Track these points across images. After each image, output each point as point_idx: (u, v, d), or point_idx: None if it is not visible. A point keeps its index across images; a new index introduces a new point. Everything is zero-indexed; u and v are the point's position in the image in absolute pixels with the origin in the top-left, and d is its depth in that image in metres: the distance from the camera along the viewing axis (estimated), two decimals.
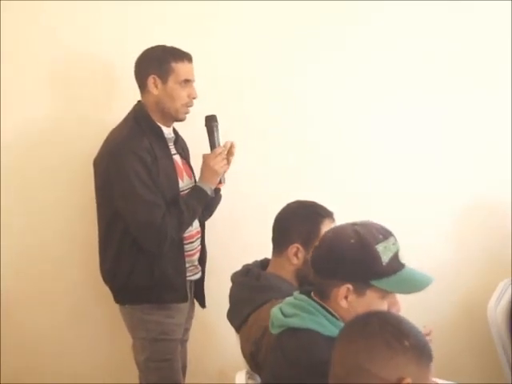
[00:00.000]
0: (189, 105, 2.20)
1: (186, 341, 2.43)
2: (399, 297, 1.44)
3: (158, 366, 2.25)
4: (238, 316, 1.81)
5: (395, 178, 2.66)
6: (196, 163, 2.27)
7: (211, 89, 2.42)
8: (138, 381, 2.32)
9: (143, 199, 2.06)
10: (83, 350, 2.65)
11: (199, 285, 2.37)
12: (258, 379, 1.73)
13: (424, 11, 2.57)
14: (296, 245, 1.78)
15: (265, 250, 1.89)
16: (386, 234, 1.43)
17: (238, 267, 1.92)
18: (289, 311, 1.46)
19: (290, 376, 1.37)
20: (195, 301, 2.41)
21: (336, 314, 1.42)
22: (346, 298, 1.39)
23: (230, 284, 1.92)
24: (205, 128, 2.24)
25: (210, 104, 2.33)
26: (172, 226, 2.08)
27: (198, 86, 2.22)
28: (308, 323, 1.41)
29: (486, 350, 2.45)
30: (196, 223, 2.27)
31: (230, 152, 2.22)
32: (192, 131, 2.33)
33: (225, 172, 2.23)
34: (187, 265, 2.22)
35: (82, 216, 2.50)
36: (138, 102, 2.22)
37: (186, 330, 2.40)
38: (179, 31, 2.47)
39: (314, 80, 2.59)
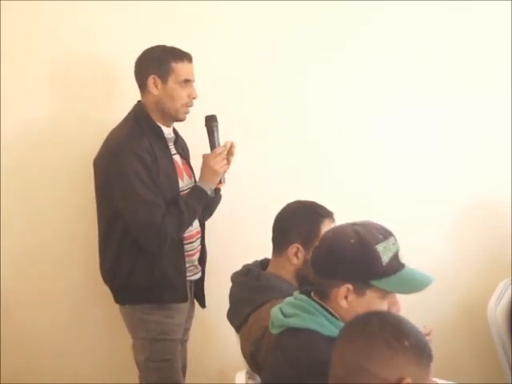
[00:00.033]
0: (189, 105, 2.20)
1: (186, 341, 2.43)
2: (399, 297, 1.44)
3: (158, 366, 2.25)
4: (238, 316, 1.81)
5: (395, 178, 2.66)
6: (196, 163, 2.27)
7: (211, 89, 2.42)
8: (138, 381, 2.32)
9: (143, 199, 2.06)
10: (83, 350, 2.65)
11: (199, 285, 2.37)
12: (258, 379, 1.73)
13: (424, 11, 2.57)
14: (296, 245, 1.78)
15: (265, 250, 1.89)
16: (386, 234, 1.43)
17: (238, 267, 1.92)
18: (289, 311, 1.46)
19: (290, 376, 1.37)
20: (195, 301, 2.41)
21: (336, 314, 1.42)
22: (345, 297, 1.39)
23: (229, 284, 1.92)
24: (205, 128, 2.24)
25: (210, 104, 2.33)
26: (172, 226, 2.08)
27: (198, 86, 2.22)
28: (308, 323, 1.41)
29: (485, 350, 2.45)
30: (196, 223, 2.27)
31: (229, 152, 2.22)
32: (192, 131, 2.33)
33: (225, 172, 2.23)
34: (187, 265, 2.22)
35: (82, 216, 2.50)
36: (138, 102, 2.22)
37: (186, 330, 2.40)
38: (179, 31, 2.47)
39: (313, 80, 2.59)
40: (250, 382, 1.74)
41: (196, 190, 2.18)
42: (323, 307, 1.43)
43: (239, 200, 2.57)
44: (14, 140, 2.52)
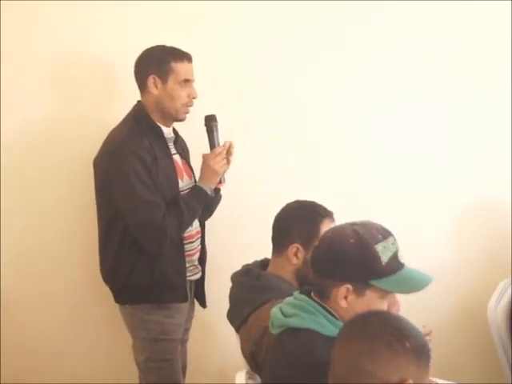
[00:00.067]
0: (189, 105, 2.20)
1: (186, 341, 2.43)
2: (399, 297, 1.44)
3: (158, 366, 2.25)
4: (238, 316, 1.81)
5: (395, 178, 2.66)
6: (196, 163, 2.27)
7: (211, 89, 2.42)
8: (138, 381, 2.32)
9: (143, 199, 2.06)
10: (83, 350, 2.65)
11: (199, 285, 2.37)
12: (258, 379, 1.73)
13: (424, 11, 2.57)
14: (296, 245, 1.78)
15: (265, 250, 1.89)
16: (385, 234, 1.43)
17: (238, 267, 1.92)
18: (289, 311, 1.46)
19: (290, 376, 1.37)
20: (195, 301, 2.41)
21: (336, 314, 1.42)
22: (345, 298, 1.39)
23: (229, 284, 1.92)
24: (204, 128, 2.24)
25: (210, 104, 2.33)
26: (172, 226, 2.08)
27: (198, 85, 2.22)
28: (308, 323, 1.41)
29: (485, 350, 2.45)
30: (196, 223, 2.27)
31: (228, 152, 2.22)
32: (192, 131, 2.33)
33: (224, 172, 2.23)
34: (187, 265, 2.22)
35: (82, 216, 2.50)
36: (138, 102, 2.22)
37: (186, 330, 2.40)
38: (179, 31, 2.47)
39: (313, 80, 2.59)
40: (249, 382, 1.74)
41: (196, 189, 2.18)
42: (323, 307, 1.43)
43: (239, 200, 2.57)
44: (14, 140, 2.52)
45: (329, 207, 1.85)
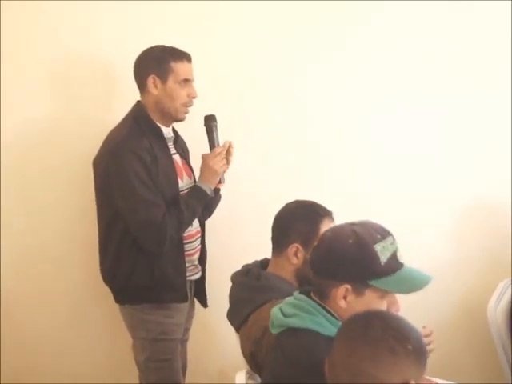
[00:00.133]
0: (188, 104, 2.20)
1: (186, 341, 2.43)
2: (399, 296, 1.44)
3: (158, 366, 2.25)
4: (238, 316, 1.81)
5: (395, 178, 2.66)
6: (196, 163, 2.27)
7: (211, 89, 2.42)
8: (138, 381, 2.32)
9: (143, 199, 2.06)
10: (83, 349, 2.66)
11: (200, 284, 2.37)
12: (258, 379, 1.73)
13: (424, 11, 2.57)
14: (295, 244, 1.78)
15: (265, 250, 1.89)
16: (384, 234, 1.43)
17: (238, 267, 1.92)
18: (289, 311, 1.46)
19: (290, 376, 1.37)
20: (196, 300, 2.41)
21: (336, 314, 1.42)
22: (344, 298, 1.39)
23: (229, 284, 1.92)
24: (204, 128, 2.24)
25: (210, 104, 2.33)
26: (172, 226, 2.08)
27: (198, 85, 2.22)
28: (308, 323, 1.41)
29: (485, 350, 2.45)
30: (196, 223, 2.27)
31: (228, 152, 2.22)
32: (191, 131, 2.33)
33: (224, 172, 2.23)
34: (187, 264, 2.22)
35: (82, 216, 2.50)
36: (138, 102, 2.22)
37: (186, 330, 2.40)
38: (179, 31, 2.47)
39: (313, 80, 2.59)
40: (249, 382, 1.74)
41: (196, 189, 2.18)
42: (323, 307, 1.43)
43: (239, 200, 2.57)
44: (14, 140, 2.53)
45: (329, 207, 1.85)
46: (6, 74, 2.47)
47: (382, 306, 1.39)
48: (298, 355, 1.38)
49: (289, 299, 1.52)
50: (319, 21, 2.56)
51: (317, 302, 1.44)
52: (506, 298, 2.29)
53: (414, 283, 1.42)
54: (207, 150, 2.23)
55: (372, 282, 1.38)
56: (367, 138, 2.64)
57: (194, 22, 2.51)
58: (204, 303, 2.40)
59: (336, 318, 1.41)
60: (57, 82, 2.52)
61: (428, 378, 1.63)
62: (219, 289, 2.07)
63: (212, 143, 2.23)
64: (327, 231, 1.53)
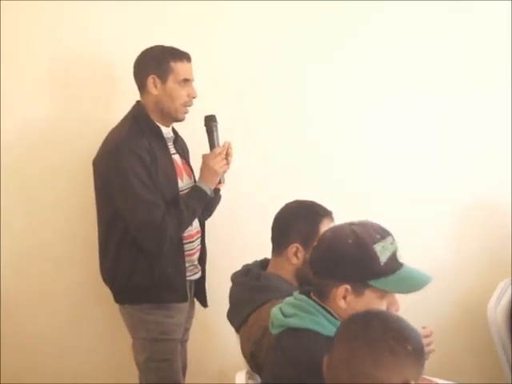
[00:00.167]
0: (188, 104, 2.20)
1: (186, 341, 2.43)
2: (399, 296, 1.44)
3: (158, 366, 2.25)
4: (238, 316, 1.81)
5: (395, 178, 2.66)
6: (196, 163, 2.27)
7: (211, 89, 2.42)
8: (138, 381, 2.32)
9: (142, 198, 2.06)
10: (83, 350, 2.66)
11: (200, 284, 2.37)
12: (258, 379, 1.73)
13: (424, 11, 2.57)
14: (295, 244, 1.78)
15: (265, 250, 1.89)
16: (384, 234, 1.43)
17: (238, 267, 1.92)
18: (288, 311, 1.46)
19: (290, 376, 1.37)
20: (196, 300, 2.41)
21: (335, 314, 1.42)
22: (344, 298, 1.39)
23: (229, 284, 1.92)
24: (204, 128, 2.24)
25: (210, 104, 2.33)
26: (171, 226, 2.08)
27: (198, 85, 2.22)
28: (307, 323, 1.41)
29: (486, 350, 2.45)
30: (196, 223, 2.27)
31: (227, 152, 2.22)
32: (192, 131, 2.33)
33: (224, 172, 2.23)
34: (187, 264, 2.22)
35: (82, 216, 2.50)
36: (137, 102, 2.22)
37: (186, 330, 2.40)
38: (179, 31, 2.47)
39: (313, 80, 2.59)
40: (249, 382, 1.74)
41: (196, 189, 2.19)
42: (323, 307, 1.43)
43: (239, 200, 2.57)
44: (14, 140, 2.53)
45: (329, 207, 1.84)
46: (6, 74, 2.47)
47: (382, 306, 1.39)
48: (298, 355, 1.38)
49: (289, 299, 1.52)
50: (319, 21, 2.56)
51: (317, 302, 1.44)
52: (506, 298, 2.29)
53: (414, 283, 1.42)
54: (207, 150, 2.23)
55: (371, 282, 1.38)
56: (367, 138, 2.64)
57: (194, 22, 2.51)
58: (204, 303, 2.40)
59: (336, 318, 1.41)
60: (57, 82, 2.52)
61: (428, 378, 1.63)
62: (219, 289, 2.07)
63: (212, 143, 2.23)
64: (327, 231, 1.53)
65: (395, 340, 1.17)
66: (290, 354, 1.40)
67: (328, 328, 1.39)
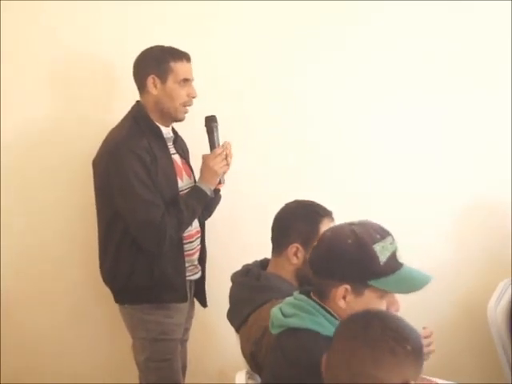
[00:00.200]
0: (188, 104, 2.20)
1: (185, 341, 2.43)
2: (398, 296, 1.44)
3: (158, 366, 2.25)
4: (238, 316, 1.81)
5: (395, 178, 2.66)
6: (196, 163, 2.27)
7: (211, 89, 2.42)
8: (138, 381, 2.33)
9: (142, 198, 2.06)
10: (83, 350, 2.66)
11: (200, 284, 2.37)
12: (258, 379, 1.73)
13: (424, 11, 2.57)
14: (295, 244, 1.78)
15: (265, 250, 1.89)
16: (384, 234, 1.43)
17: (238, 267, 1.92)
18: (288, 311, 1.46)
19: (290, 376, 1.37)
20: (196, 300, 2.41)
21: (335, 314, 1.42)
22: (344, 298, 1.39)
23: (229, 284, 1.92)
24: (204, 128, 2.24)
25: (210, 104, 2.33)
26: (171, 226, 2.08)
27: (198, 85, 2.22)
28: (307, 323, 1.41)
29: (486, 350, 2.45)
30: (196, 223, 2.27)
31: (227, 153, 2.22)
32: (192, 131, 2.33)
33: (224, 173, 2.23)
34: (187, 264, 2.22)
35: (82, 216, 2.50)
36: (137, 102, 2.22)
37: (186, 330, 2.40)
38: (179, 31, 2.47)
39: (313, 80, 2.59)
40: (249, 382, 1.74)
41: (195, 190, 2.19)
42: (322, 307, 1.43)
43: (239, 200, 2.57)
44: (14, 140, 2.53)
45: (329, 207, 1.84)
46: (6, 73, 2.48)
47: (382, 305, 1.39)
48: (298, 355, 1.38)
49: (289, 299, 1.52)
50: (319, 21, 2.56)
51: (316, 302, 1.44)
52: (506, 298, 2.29)
53: (414, 283, 1.42)
54: (207, 151, 2.23)
55: (371, 282, 1.38)
56: (367, 138, 2.64)
57: (194, 21, 2.51)
58: (204, 303, 2.40)
59: (336, 318, 1.41)
60: (57, 82, 2.52)
61: (428, 378, 1.63)
62: (219, 289, 2.07)
63: (212, 144, 2.23)
64: (327, 231, 1.53)
65: (395, 340, 1.17)
66: (290, 354, 1.40)
67: (328, 328, 1.39)
